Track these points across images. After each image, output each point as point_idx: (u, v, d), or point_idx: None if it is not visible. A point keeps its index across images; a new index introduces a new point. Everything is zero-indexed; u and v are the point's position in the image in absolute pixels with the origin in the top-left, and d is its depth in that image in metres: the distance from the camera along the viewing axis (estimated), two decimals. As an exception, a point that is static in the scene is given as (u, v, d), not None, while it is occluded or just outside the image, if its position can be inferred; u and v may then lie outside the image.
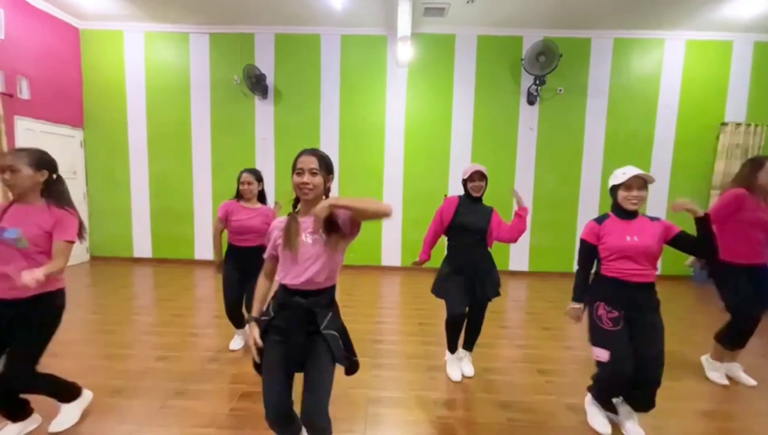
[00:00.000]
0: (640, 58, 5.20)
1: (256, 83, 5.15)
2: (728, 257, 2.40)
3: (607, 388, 1.96)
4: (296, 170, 1.44)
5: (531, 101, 5.24)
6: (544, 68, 4.97)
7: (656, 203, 5.33)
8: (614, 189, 1.93)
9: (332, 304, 1.53)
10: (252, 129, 5.46)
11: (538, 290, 4.76)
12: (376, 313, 3.76)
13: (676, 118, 5.25)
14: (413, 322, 3.54)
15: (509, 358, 2.84)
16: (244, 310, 2.80)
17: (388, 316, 3.70)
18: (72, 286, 4.37)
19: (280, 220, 1.50)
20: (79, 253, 5.52)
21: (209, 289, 4.51)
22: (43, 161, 1.76)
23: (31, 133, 4.72)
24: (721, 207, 2.38)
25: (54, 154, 5.42)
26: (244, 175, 2.70)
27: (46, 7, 4.85)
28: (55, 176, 1.80)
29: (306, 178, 1.42)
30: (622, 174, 1.88)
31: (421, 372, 2.58)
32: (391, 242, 5.54)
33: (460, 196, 2.51)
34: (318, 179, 1.43)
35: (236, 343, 2.90)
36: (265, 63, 5.30)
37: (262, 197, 2.82)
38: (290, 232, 1.42)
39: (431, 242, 2.56)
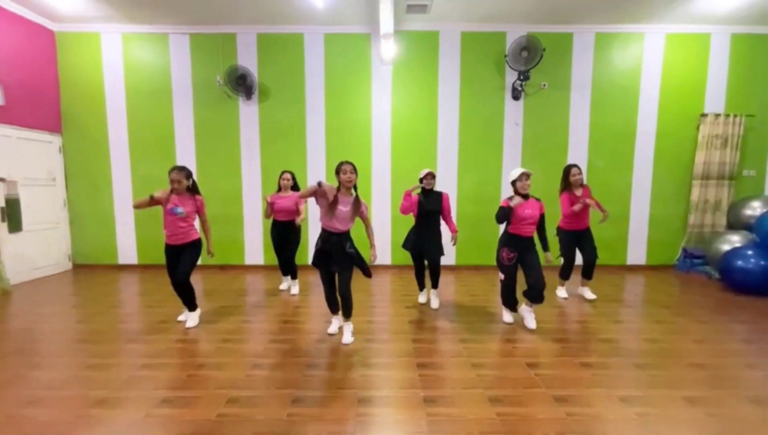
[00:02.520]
0: (621, 51, 5.26)
1: (240, 84, 5.08)
2: (563, 226, 3.95)
3: (505, 293, 3.37)
4: (341, 171, 2.78)
5: (516, 96, 5.27)
6: (528, 63, 5.00)
7: (640, 193, 5.44)
8: (513, 182, 3.19)
9: (350, 238, 2.91)
10: (237, 130, 5.38)
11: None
12: (367, 312, 3.75)
13: (657, 110, 5.33)
14: (403, 320, 3.54)
15: (499, 353, 2.85)
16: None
17: (379, 314, 3.69)
18: (54, 296, 4.30)
19: (332, 188, 2.77)
20: (61, 261, 5.39)
21: (197, 293, 4.43)
22: (189, 174, 3.24)
23: (7, 140, 4.59)
24: (565, 206, 3.84)
25: (31, 160, 5.30)
26: (285, 174, 4.15)
27: (19, 10, 4.71)
28: (192, 182, 3.25)
29: (348, 175, 2.77)
30: (515, 173, 3.17)
31: (410, 370, 2.57)
32: (381, 241, 5.50)
33: (420, 193, 3.70)
34: (354, 176, 2.80)
35: (284, 285, 4.51)
36: (248, 63, 5.23)
37: (295, 188, 4.21)
38: (334, 203, 2.75)
39: (406, 201, 3.63)
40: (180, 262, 3.22)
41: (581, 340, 3.10)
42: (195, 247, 3.28)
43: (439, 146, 5.40)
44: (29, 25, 4.89)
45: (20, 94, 4.77)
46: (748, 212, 4.95)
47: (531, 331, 3.26)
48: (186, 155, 5.40)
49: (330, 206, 2.73)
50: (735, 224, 5.15)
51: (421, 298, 4.04)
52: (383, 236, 5.52)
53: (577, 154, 5.37)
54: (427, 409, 2.13)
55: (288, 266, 4.30)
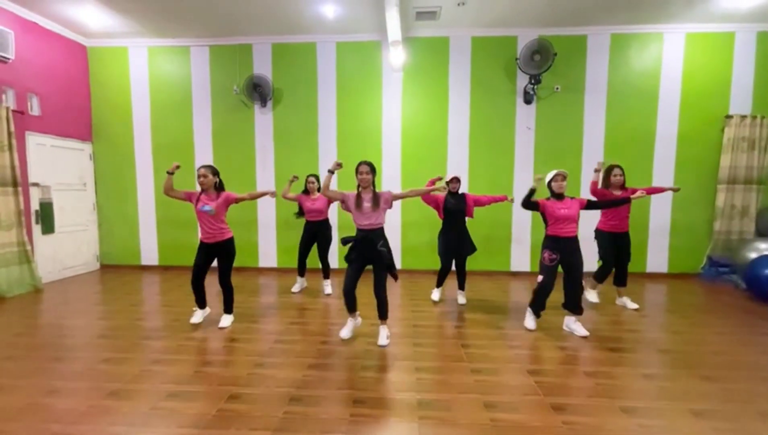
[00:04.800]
0: (638, 53, 5.12)
1: (256, 92, 5.27)
2: (602, 227, 3.93)
3: (538, 296, 3.32)
4: (359, 172, 2.97)
5: (528, 100, 5.21)
6: (540, 67, 4.94)
7: (661, 199, 5.22)
8: (549, 183, 3.25)
9: (383, 236, 3.04)
10: (252, 136, 5.58)
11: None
12: (372, 314, 3.74)
13: (678, 112, 5.14)
14: (408, 324, 3.55)
15: (500, 359, 2.82)
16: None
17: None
18: (81, 294, 4.55)
19: (352, 193, 3.01)
20: (89, 261, 5.71)
21: (212, 295, 4.58)
22: (216, 172, 3.37)
23: (42, 148, 4.93)
24: (597, 190, 3.81)
25: (64, 166, 5.62)
26: (310, 178, 4.36)
27: (54, 27, 5.08)
28: (218, 180, 3.38)
29: (364, 176, 2.96)
30: (551, 174, 3.24)
31: (408, 373, 2.58)
32: (391, 246, 5.54)
33: (446, 194, 3.91)
34: (369, 177, 2.97)
35: (296, 287, 4.62)
36: (264, 72, 5.41)
37: (320, 190, 4.39)
38: (358, 200, 2.97)
39: (428, 195, 3.76)
40: (219, 267, 3.39)
41: (589, 348, 3.02)
42: (229, 248, 3.39)
43: (450, 151, 5.40)
44: (64, 41, 5.27)
45: (55, 105, 5.13)
46: (779, 218, 4.68)
47: (537, 338, 3.21)
48: (204, 161, 5.62)
49: (356, 203, 2.96)
50: (764, 231, 4.88)
51: (435, 296, 4.20)
52: (393, 241, 5.52)
53: (592, 158, 5.22)
54: (420, 412, 2.14)
55: (322, 265, 4.54)
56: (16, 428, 2.02)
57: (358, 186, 3.01)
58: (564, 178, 3.19)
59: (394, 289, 4.77)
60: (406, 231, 5.50)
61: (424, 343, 3.09)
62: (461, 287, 4.14)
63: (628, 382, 2.49)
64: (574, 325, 3.29)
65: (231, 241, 3.40)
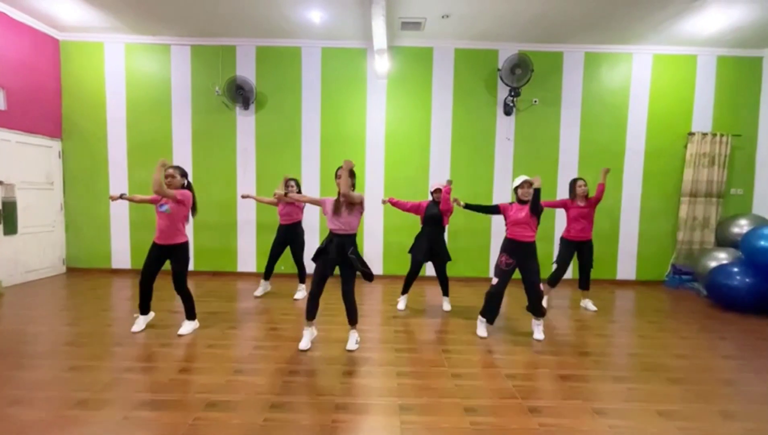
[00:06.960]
0: (609, 71, 5.39)
1: (238, 94, 5.20)
2: (566, 235, 4.16)
3: (490, 300, 3.38)
4: (338, 176, 3.00)
5: (507, 112, 5.38)
6: (520, 80, 5.12)
7: (630, 210, 5.50)
8: (516, 189, 3.34)
9: (354, 243, 3.04)
10: (233, 139, 5.49)
11: (516, 297, 4.80)
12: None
13: (645, 128, 5.44)
14: (390, 329, 3.57)
15: (479, 364, 2.88)
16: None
17: (366, 323, 3.71)
18: (45, 299, 4.33)
19: (330, 198, 3.06)
20: (55, 264, 5.44)
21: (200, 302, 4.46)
22: (185, 173, 3.32)
23: (6, 144, 4.68)
24: (553, 203, 4.23)
25: (29, 164, 5.36)
26: (290, 181, 4.26)
27: (25, 19, 4.86)
28: (187, 182, 3.31)
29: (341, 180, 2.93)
30: (518, 180, 3.32)
31: (390, 378, 2.60)
32: (373, 250, 5.57)
33: (429, 201, 4.03)
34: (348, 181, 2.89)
35: (259, 290, 4.57)
36: (247, 74, 5.35)
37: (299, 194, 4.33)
38: (337, 204, 3.00)
39: (404, 206, 4.08)
40: (172, 273, 3.29)
41: (563, 352, 3.13)
42: (180, 252, 3.27)
43: (432, 159, 5.49)
44: (35, 33, 5.04)
45: (22, 99, 4.89)
46: (736, 230, 5.01)
47: (515, 342, 3.30)
48: (183, 163, 5.44)
49: (335, 207, 2.99)
50: (723, 241, 5.20)
51: (401, 305, 4.18)
52: (375, 247, 5.57)
53: (568, 169, 5.45)
54: (402, 416, 2.15)
55: (297, 269, 4.52)
56: (-25, 441, 1.90)
57: (338, 192, 3.02)
58: (530, 185, 3.23)
59: (374, 295, 4.78)
60: (388, 236, 5.53)
61: (404, 349, 3.11)
62: (445, 293, 4.17)
63: (599, 385, 2.59)
64: (535, 327, 3.43)
65: (184, 245, 3.29)
